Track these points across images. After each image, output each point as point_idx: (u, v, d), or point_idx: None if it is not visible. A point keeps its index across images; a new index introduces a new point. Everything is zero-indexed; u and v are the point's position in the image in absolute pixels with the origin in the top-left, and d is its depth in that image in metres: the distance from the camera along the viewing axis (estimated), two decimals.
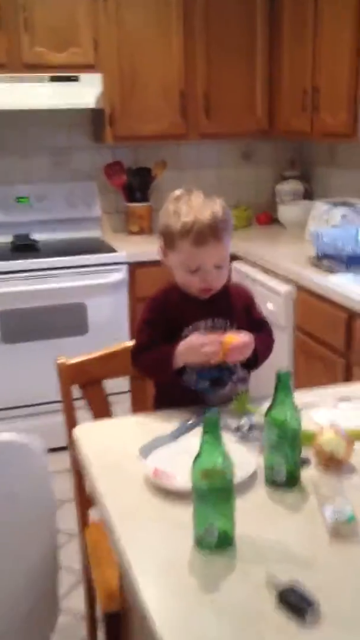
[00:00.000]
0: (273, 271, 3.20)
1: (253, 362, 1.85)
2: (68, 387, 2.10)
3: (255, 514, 1.37)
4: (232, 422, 1.69)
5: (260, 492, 1.44)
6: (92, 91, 3.51)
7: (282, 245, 3.59)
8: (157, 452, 1.57)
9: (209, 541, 1.26)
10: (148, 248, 3.35)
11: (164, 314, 1.86)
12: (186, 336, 1.82)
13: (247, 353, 1.79)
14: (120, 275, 3.50)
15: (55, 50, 3.42)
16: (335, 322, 2.75)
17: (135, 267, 3.51)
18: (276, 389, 1.45)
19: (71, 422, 2.09)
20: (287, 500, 1.42)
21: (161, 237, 1.85)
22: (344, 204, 3.40)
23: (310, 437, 1.59)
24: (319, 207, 3.47)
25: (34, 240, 3.75)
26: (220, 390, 1.86)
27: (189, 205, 1.78)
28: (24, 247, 3.68)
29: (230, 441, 1.61)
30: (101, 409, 2.13)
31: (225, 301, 1.89)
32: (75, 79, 3.43)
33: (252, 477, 1.47)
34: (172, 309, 1.86)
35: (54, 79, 3.41)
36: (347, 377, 2.70)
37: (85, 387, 2.13)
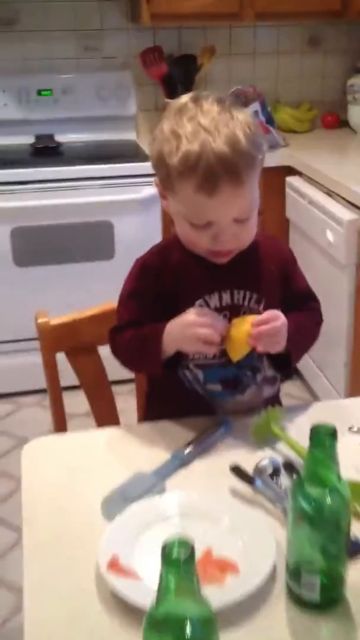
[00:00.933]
0: (336, 192, 2.51)
1: (285, 360, 1.24)
2: (52, 355, 1.56)
3: None
4: (249, 459, 1.12)
5: (276, 620, 0.88)
6: None
7: (351, 158, 2.87)
8: (128, 513, 1.01)
9: None
10: None
11: (158, 283, 1.26)
12: None
13: (280, 343, 1.19)
14: (153, 190, 2.85)
15: None
16: None
17: None
18: (312, 449, 0.86)
19: (56, 399, 1.56)
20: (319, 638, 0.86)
21: (155, 169, 1.22)
22: None
23: None
24: None
25: (58, 143, 3.14)
26: (237, 396, 1.27)
27: (195, 122, 1.13)
28: (45, 151, 3.09)
29: (239, 495, 1.05)
30: (95, 385, 1.60)
31: (252, 264, 1.28)
32: None
33: (267, 583, 0.91)
34: (171, 276, 1.26)
35: None
36: None
37: (74, 355, 1.58)
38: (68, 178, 2.84)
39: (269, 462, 1.08)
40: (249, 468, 1.09)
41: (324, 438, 0.84)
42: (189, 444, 1.17)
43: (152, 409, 1.37)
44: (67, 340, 1.57)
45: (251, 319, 1.17)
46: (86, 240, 2.91)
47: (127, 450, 1.19)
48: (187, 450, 1.15)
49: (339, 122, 3.28)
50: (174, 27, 3.21)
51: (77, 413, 1.75)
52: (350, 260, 2.39)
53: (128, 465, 1.13)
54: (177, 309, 1.23)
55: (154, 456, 1.15)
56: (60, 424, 1.56)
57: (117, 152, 3.09)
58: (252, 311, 1.23)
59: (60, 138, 3.17)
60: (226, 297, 1.25)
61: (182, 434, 1.21)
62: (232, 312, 1.23)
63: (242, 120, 1.15)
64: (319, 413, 1.28)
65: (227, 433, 1.21)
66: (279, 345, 1.19)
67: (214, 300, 1.24)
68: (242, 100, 2.80)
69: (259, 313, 1.22)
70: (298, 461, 1.12)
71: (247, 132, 1.13)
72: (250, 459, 1.12)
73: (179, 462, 1.14)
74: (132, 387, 1.62)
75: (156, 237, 2.91)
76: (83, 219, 2.87)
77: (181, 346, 1.21)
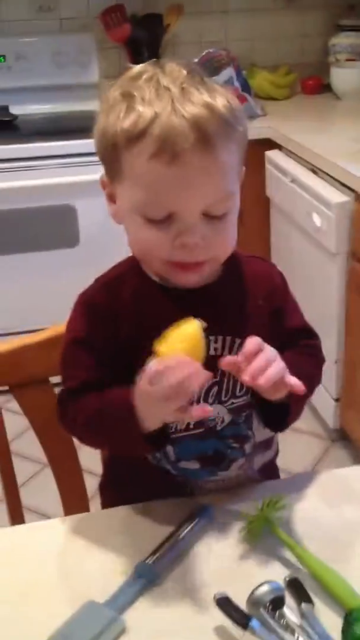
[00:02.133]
0: (322, 170, 2.15)
1: (284, 413, 0.90)
2: None
3: None
4: (239, 574, 0.79)
5: None
6: None
7: (336, 129, 2.49)
8: None
9: None
10: None
11: (112, 328, 0.90)
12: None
13: (281, 382, 0.83)
14: None
15: None
16: None
17: None
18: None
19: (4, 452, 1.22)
20: None
21: (99, 154, 0.87)
22: None
23: None
24: None
25: (13, 116, 2.73)
26: (220, 474, 0.94)
27: (155, 82, 0.81)
28: (1, 125, 2.67)
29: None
30: (50, 426, 1.25)
31: (234, 298, 0.93)
32: None
33: None
34: (127, 317, 0.90)
35: None
36: None
37: (20, 391, 1.24)
38: (25, 157, 2.45)
39: (269, 589, 0.75)
40: (239, 590, 0.75)
41: None
42: (155, 550, 0.83)
43: (109, 484, 1.02)
44: (11, 374, 1.23)
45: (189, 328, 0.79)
46: (46, 227, 2.52)
47: (71, 562, 0.85)
48: (153, 561, 0.82)
49: (321, 87, 2.89)
50: None
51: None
52: (341, 248, 2.04)
53: (73, 588, 0.80)
54: (138, 359, 0.89)
55: (108, 570, 0.82)
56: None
57: (80, 126, 2.65)
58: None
59: (15, 110, 2.76)
60: None
61: (146, 530, 0.87)
62: (207, 367, 0.88)
63: (219, 90, 0.82)
64: (328, 492, 0.95)
65: (207, 526, 0.88)
66: (281, 386, 0.82)
67: None
68: (214, 65, 2.40)
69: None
70: (305, 574, 0.80)
71: (224, 102, 0.80)
72: (242, 573, 0.79)
73: (144, 582, 0.80)
74: None
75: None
76: (42, 203, 2.49)
77: (163, 420, 0.84)
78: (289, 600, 0.76)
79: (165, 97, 0.79)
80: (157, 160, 0.78)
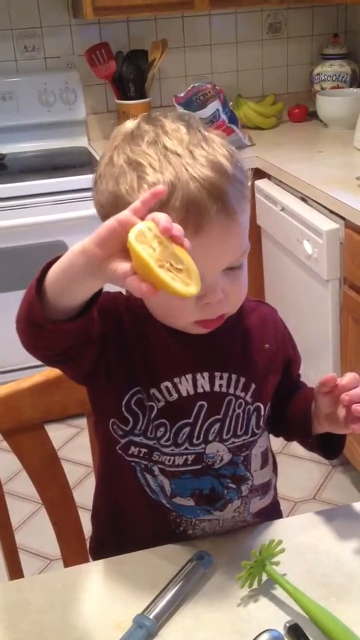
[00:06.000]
0: (312, 198, 2.16)
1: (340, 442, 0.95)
2: None
3: None
4: (239, 623, 0.78)
5: None
6: None
7: (324, 157, 2.51)
8: None
9: None
10: None
11: (119, 328, 0.89)
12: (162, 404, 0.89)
13: None
14: None
15: None
16: None
17: None
18: None
19: None
20: None
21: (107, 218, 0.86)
22: None
23: None
24: None
25: (1, 155, 2.76)
26: (215, 513, 0.93)
27: (160, 146, 0.80)
28: None
29: None
30: (45, 471, 1.25)
31: (238, 333, 0.93)
32: None
33: None
34: (130, 336, 0.89)
35: None
36: None
37: (13, 437, 1.24)
38: (14, 196, 2.46)
39: (269, 638, 0.74)
40: (240, 638, 0.75)
41: None
42: (153, 601, 0.82)
43: (102, 523, 1.01)
44: (4, 420, 1.23)
45: None
46: (37, 264, 2.49)
47: (69, 616, 0.84)
48: (152, 612, 0.81)
49: (308, 115, 2.92)
50: (121, 21, 2.83)
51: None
52: (333, 274, 2.05)
53: None
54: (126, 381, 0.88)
55: (107, 623, 0.81)
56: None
57: (68, 163, 2.71)
58: (238, 402, 0.90)
59: (3, 149, 2.78)
60: (203, 382, 0.89)
61: (144, 579, 0.86)
62: (211, 402, 0.89)
63: (218, 141, 0.82)
64: (326, 532, 0.94)
65: (205, 573, 0.86)
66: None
67: (185, 385, 0.89)
68: (200, 99, 2.43)
69: (246, 403, 0.90)
70: (305, 619, 0.79)
71: (228, 155, 0.80)
72: (242, 621, 0.78)
73: (143, 634, 0.79)
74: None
75: None
76: (32, 241, 2.49)
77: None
78: None
79: (176, 163, 0.78)
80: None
